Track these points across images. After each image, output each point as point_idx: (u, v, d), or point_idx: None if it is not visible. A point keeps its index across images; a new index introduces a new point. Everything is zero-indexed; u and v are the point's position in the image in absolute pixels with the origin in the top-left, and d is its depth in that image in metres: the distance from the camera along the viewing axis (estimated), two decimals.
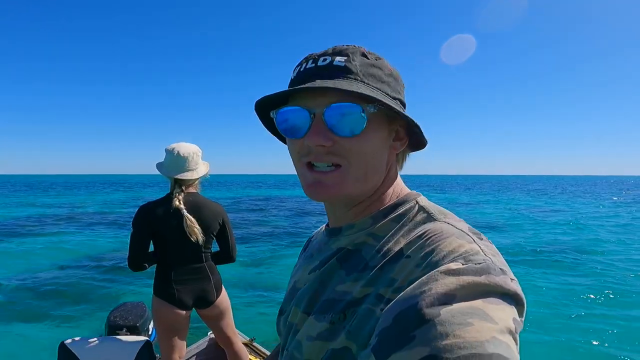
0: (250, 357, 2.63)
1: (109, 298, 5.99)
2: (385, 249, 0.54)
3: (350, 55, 0.55)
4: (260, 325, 4.56)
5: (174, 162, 2.02)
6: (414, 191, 0.63)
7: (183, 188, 2.04)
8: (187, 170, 2.02)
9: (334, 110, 0.52)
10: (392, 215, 0.58)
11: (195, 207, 2.04)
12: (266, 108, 0.60)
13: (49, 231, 13.55)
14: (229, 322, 2.28)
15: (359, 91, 0.50)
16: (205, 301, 2.11)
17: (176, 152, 2.02)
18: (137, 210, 2.06)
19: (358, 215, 0.60)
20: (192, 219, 1.98)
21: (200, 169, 2.09)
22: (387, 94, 0.55)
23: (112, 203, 26.72)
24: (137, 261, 2.00)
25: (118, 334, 2.22)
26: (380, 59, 0.58)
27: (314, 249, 0.69)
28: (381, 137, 0.56)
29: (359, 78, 0.53)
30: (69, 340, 1.96)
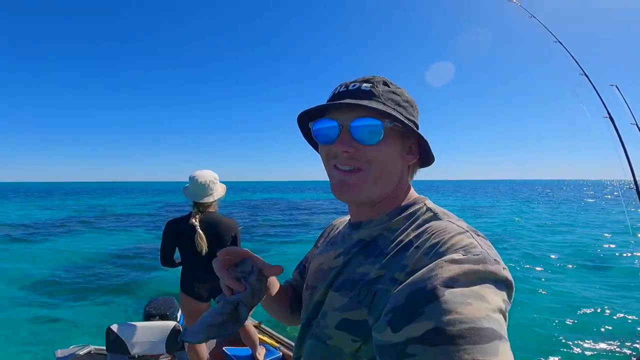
0: (259, 336, 2.99)
1: (145, 290, 6.85)
2: (398, 240, 0.62)
3: (375, 83, 0.66)
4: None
5: (195, 189, 2.47)
6: (422, 195, 0.73)
7: (201, 209, 2.53)
8: (206, 196, 2.50)
9: (358, 123, 0.62)
10: (405, 214, 0.67)
11: (212, 223, 2.53)
12: (305, 120, 0.73)
13: (92, 230, 15.03)
14: None
15: (378, 107, 0.61)
16: (219, 295, 2.55)
17: (196, 180, 2.50)
18: (165, 224, 2.56)
19: (375, 213, 0.70)
20: (202, 234, 2.45)
21: (216, 193, 2.52)
22: (403, 115, 0.65)
23: (145, 205, 28.77)
24: (165, 261, 2.60)
25: (152, 321, 2.60)
26: (399, 88, 0.69)
27: (337, 237, 0.78)
28: (396, 149, 0.66)
29: (381, 100, 0.64)
30: (114, 326, 2.28)
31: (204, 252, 2.43)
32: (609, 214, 21.05)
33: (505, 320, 0.45)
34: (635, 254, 9.54)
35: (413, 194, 0.72)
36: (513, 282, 0.50)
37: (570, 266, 8.46)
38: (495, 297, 0.45)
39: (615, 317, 5.27)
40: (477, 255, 0.50)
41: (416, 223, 0.64)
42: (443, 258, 0.50)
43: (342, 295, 0.63)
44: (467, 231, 0.57)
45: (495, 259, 0.51)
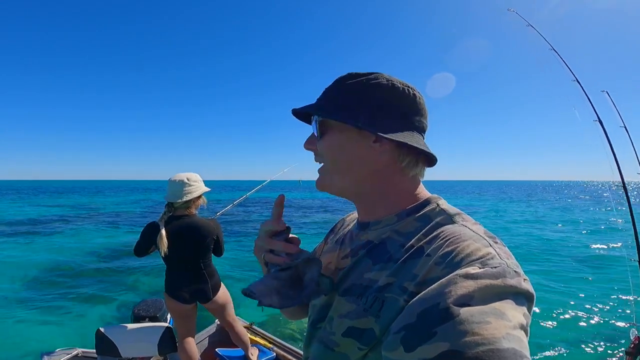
0: (250, 337, 2.96)
1: (132, 291, 6.81)
2: (408, 245, 0.58)
3: (335, 83, 0.65)
4: (257, 311, 5.26)
5: (169, 189, 2.42)
6: (436, 195, 0.67)
7: (170, 210, 2.47)
8: (179, 197, 2.41)
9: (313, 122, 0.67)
10: (416, 215, 0.62)
11: (191, 227, 2.46)
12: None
13: (79, 228, 15.14)
14: (229, 312, 2.66)
15: (299, 108, 0.66)
16: (203, 298, 2.49)
17: (170, 180, 2.45)
18: (146, 225, 2.51)
19: (381, 213, 0.65)
20: (164, 234, 2.39)
21: (190, 194, 2.42)
22: (339, 109, 0.62)
23: (136, 203, 28.98)
24: (138, 253, 2.54)
25: (141, 323, 2.52)
26: (354, 81, 0.63)
27: (346, 236, 0.75)
28: (341, 137, 0.63)
29: (327, 96, 0.65)
30: (104, 328, 2.21)
31: (162, 252, 2.38)
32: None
33: (527, 335, 0.42)
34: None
35: (424, 192, 0.67)
36: (534, 294, 0.47)
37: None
38: (516, 313, 0.42)
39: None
40: (495, 267, 0.46)
41: (428, 226, 0.59)
42: (457, 272, 0.46)
43: (349, 301, 0.60)
44: (484, 238, 0.53)
45: (515, 271, 0.47)
